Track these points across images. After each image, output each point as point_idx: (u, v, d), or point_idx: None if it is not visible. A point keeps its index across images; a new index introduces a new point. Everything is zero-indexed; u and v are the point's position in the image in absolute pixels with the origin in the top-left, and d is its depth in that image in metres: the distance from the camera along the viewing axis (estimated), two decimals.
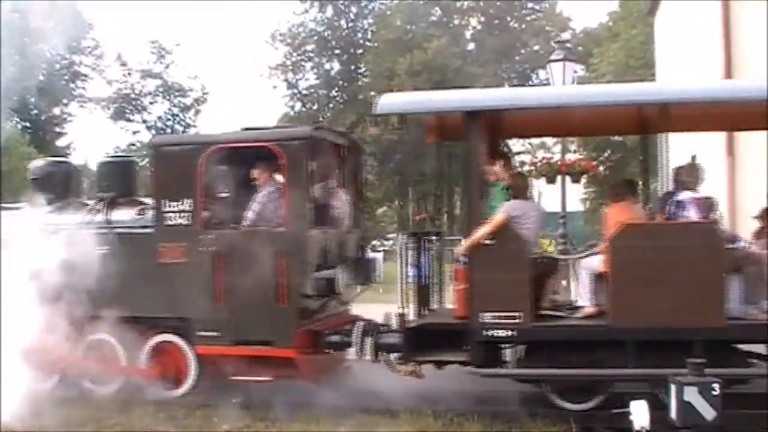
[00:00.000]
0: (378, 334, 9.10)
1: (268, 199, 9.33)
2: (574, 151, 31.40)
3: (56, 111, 45.76)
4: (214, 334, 9.29)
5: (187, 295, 9.32)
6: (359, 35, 44.59)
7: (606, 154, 37.09)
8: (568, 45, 18.45)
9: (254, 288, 8.95)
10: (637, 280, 8.12)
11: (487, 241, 8.43)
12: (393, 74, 39.04)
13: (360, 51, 43.89)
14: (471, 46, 43.06)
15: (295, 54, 44.02)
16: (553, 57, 17.02)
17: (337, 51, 44.13)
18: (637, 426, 6.75)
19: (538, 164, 18.48)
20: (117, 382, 9.77)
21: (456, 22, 42.83)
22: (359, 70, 44.15)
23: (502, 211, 8.65)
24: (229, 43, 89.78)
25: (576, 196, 37.63)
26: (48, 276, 9.18)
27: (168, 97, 47.09)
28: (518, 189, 9.00)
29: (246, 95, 75.34)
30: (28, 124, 42.94)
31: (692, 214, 8.44)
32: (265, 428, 8.54)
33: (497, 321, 8.38)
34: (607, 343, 8.31)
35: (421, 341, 8.97)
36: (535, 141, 38.44)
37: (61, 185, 10.89)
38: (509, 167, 9.49)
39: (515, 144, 39.92)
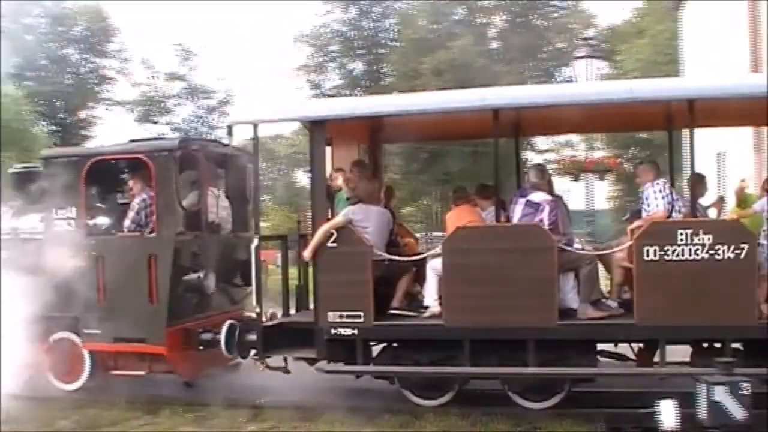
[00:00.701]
0: (241, 333, 10.24)
1: (140, 206, 10.64)
2: (600, 149, 31.82)
3: (84, 114, 48.15)
4: (97, 331, 10.66)
5: (76, 295, 10.66)
6: (383, 35, 45.61)
7: (632, 151, 37.46)
8: (593, 42, 19.23)
9: (129, 289, 10.39)
10: (469, 281, 8.99)
11: (330, 244, 9.45)
12: (418, 74, 39.88)
13: (384, 51, 44.89)
14: (496, 44, 43.69)
15: (319, 55, 45.34)
16: (577, 54, 17.84)
17: (361, 51, 45.27)
18: (665, 426, 7.10)
19: (566, 162, 19.32)
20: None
21: (480, 20, 43.46)
22: (384, 70, 45.20)
23: (342, 214, 9.68)
24: (254, 45, 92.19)
25: (604, 194, 37.93)
26: None
27: (194, 99, 49.16)
28: (363, 194, 9.99)
29: (271, 96, 77.41)
30: (57, 128, 45.30)
31: (545, 216, 9.31)
32: (293, 429, 9.19)
33: (341, 320, 9.42)
34: (446, 341, 9.26)
35: (280, 339, 10.13)
36: (561, 139, 39.02)
37: None
38: (362, 173, 10.51)
39: (543, 142, 40.53)
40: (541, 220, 9.24)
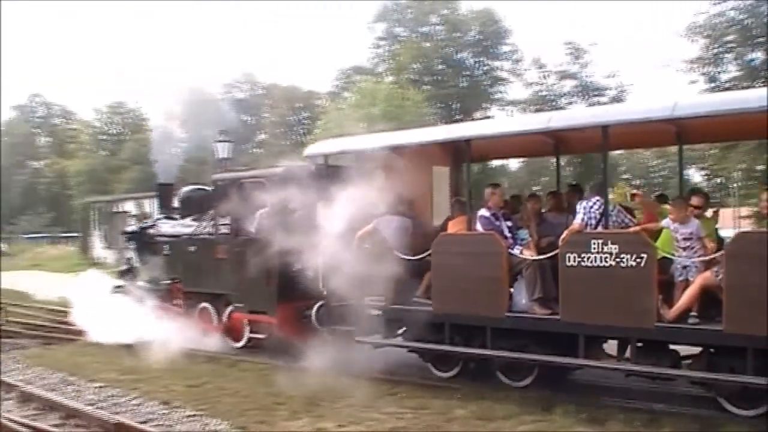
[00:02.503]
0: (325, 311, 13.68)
1: (260, 216, 14.66)
2: None
3: (478, 115, 54.08)
4: (241, 305, 15.34)
5: (230, 279, 15.47)
6: None
7: None
8: None
9: (257, 276, 14.65)
10: (449, 277, 11.80)
11: (366, 245, 12.84)
12: None
13: None
14: None
15: (714, 46, 44.89)
16: None
17: (760, 39, 43.69)
18: None
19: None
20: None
21: None
22: None
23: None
24: (645, 40, 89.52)
25: None
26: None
27: (585, 97, 51.91)
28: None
29: (665, 92, 75.09)
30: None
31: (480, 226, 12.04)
32: None
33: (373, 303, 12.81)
34: (433, 324, 12.14)
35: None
36: None
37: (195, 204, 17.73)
38: None
39: None
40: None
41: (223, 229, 15.70)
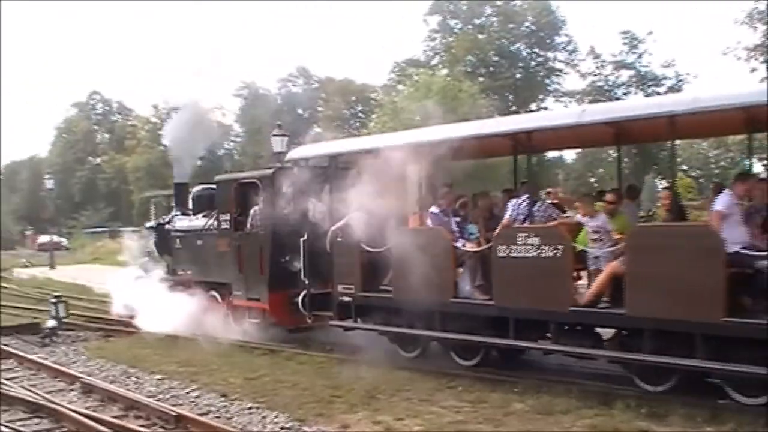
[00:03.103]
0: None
1: (254, 213, 16.27)
2: None
3: (533, 107, 53.76)
4: (239, 293, 16.58)
5: (230, 269, 16.77)
6: None
7: None
8: None
9: (252, 266, 16.11)
10: (405, 267, 12.59)
11: (338, 239, 14.09)
12: None
13: None
14: None
15: None
16: None
17: None
18: None
19: None
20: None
21: None
22: None
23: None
24: (703, 28, 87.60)
25: None
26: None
27: (642, 87, 51.20)
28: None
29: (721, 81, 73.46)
30: None
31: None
32: None
33: (344, 290, 14.07)
34: (395, 308, 13.28)
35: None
36: None
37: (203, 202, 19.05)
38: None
39: None
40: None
41: (225, 225, 17.13)
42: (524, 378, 11.35)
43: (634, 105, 13.48)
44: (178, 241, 19.06)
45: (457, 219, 13.06)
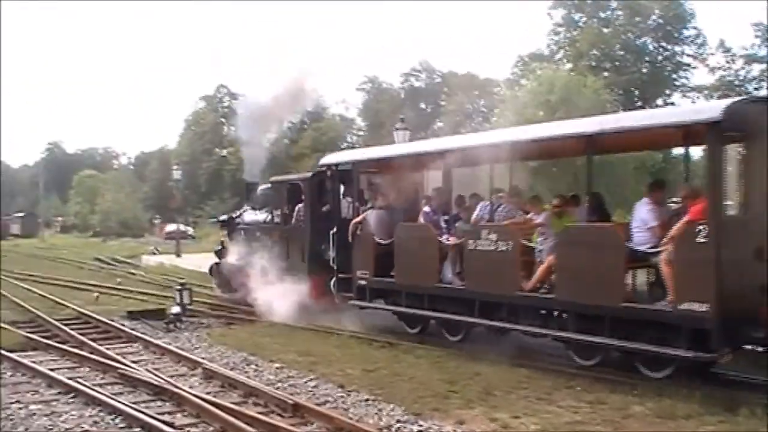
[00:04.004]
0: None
1: (299, 210, 19.23)
2: None
3: (659, 102, 52.33)
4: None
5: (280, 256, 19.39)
6: None
7: None
8: None
9: (296, 255, 19.06)
10: (404, 256, 15.41)
11: (358, 232, 16.60)
12: None
13: None
14: None
15: None
16: None
17: None
18: None
19: None
20: None
21: None
22: None
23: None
24: None
25: None
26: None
27: None
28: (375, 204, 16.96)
29: None
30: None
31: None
32: None
33: (361, 275, 16.56)
34: (397, 291, 15.82)
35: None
36: None
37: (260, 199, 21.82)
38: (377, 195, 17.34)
39: None
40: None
41: (277, 219, 20.10)
42: (644, 380, 11.03)
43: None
44: (242, 232, 21.83)
45: (446, 217, 15.53)
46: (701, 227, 10.27)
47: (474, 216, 14.40)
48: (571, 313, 12.15)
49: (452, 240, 14.64)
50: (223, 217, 24.27)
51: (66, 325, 16.94)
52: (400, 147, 19.78)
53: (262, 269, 19.53)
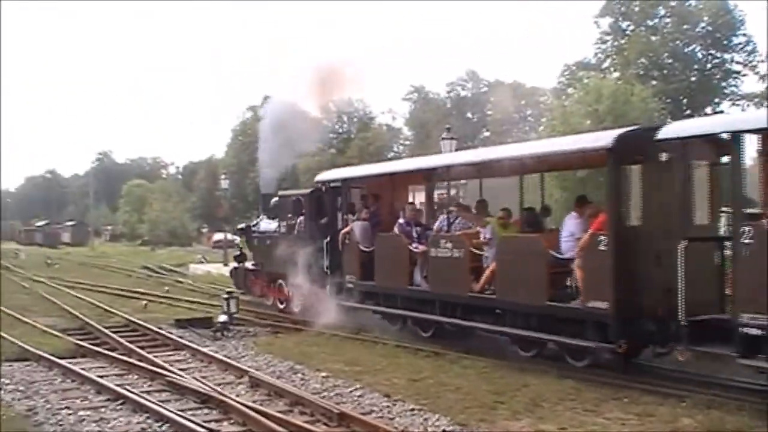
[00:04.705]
0: None
1: (300, 222, 21.03)
2: None
3: (708, 110, 51.63)
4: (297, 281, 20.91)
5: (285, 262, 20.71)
6: None
7: None
8: None
9: (309, 261, 19.89)
10: (382, 263, 17.38)
11: (346, 241, 18.71)
12: None
13: None
14: None
15: None
16: None
17: None
18: None
19: None
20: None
21: None
22: None
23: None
24: None
25: None
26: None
27: None
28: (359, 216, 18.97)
29: None
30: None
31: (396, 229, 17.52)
32: None
33: (349, 279, 18.58)
34: (378, 293, 17.77)
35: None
36: None
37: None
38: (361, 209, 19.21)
39: None
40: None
41: (283, 229, 21.92)
42: (694, 392, 10.85)
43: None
44: (256, 240, 24.16)
45: (418, 228, 17.32)
46: (602, 238, 12.22)
47: (435, 226, 16.85)
48: (508, 311, 14.23)
49: (420, 248, 16.56)
50: (242, 226, 26.99)
51: (115, 332, 17.19)
52: (382, 166, 23.20)
53: (270, 273, 22.55)
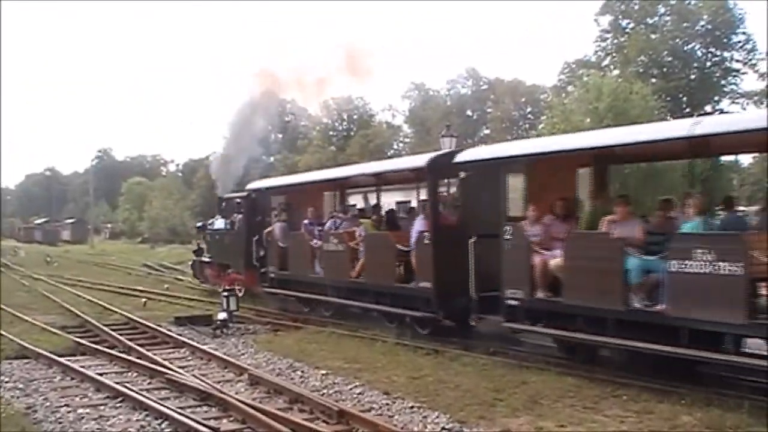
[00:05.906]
0: None
1: (239, 221, 25.35)
2: None
3: (707, 108, 51.63)
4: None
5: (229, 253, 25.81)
6: None
7: None
8: None
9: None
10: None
11: (269, 239, 22.71)
12: None
13: None
14: None
15: None
16: None
17: None
18: None
19: None
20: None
21: None
22: None
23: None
24: None
25: None
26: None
27: None
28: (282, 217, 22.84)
29: None
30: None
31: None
32: None
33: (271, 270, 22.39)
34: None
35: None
36: None
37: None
38: (282, 210, 23.29)
39: None
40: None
41: (228, 226, 26.19)
42: (694, 390, 10.83)
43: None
44: (209, 236, 27.96)
45: (320, 227, 20.53)
46: (426, 234, 15.80)
47: (326, 226, 20.10)
48: (371, 292, 17.74)
49: (318, 243, 19.88)
50: (199, 224, 31.62)
51: (114, 330, 17.23)
52: (297, 177, 28.87)
53: (220, 264, 26.32)
